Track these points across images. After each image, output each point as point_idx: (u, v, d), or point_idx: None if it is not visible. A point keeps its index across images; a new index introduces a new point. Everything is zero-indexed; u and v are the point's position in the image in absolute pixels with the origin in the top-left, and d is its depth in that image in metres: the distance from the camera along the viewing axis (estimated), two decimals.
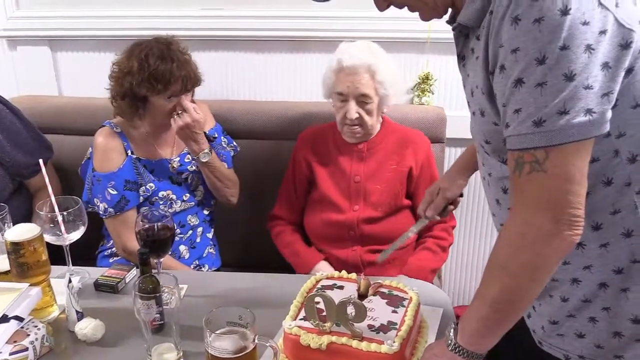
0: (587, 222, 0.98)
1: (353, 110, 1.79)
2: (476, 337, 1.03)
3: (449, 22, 1.10)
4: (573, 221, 0.89)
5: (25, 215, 1.92)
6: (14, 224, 1.39)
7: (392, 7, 1.08)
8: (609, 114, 0.88)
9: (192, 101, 1.91)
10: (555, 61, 0.85)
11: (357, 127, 1.84)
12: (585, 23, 0.84)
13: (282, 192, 2.01)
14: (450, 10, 1.08)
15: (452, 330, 1.08)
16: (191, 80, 1.82)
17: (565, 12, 0.84)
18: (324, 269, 1.83)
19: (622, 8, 0.88)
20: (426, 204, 1.53)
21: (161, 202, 1.89)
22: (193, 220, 1.96)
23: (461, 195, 1.54)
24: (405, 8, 1.08)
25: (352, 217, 1.88)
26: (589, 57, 0.85)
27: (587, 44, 0.85)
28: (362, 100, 1.79)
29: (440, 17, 1.09)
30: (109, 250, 1.96)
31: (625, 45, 0.87)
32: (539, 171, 0.89)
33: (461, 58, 1.08)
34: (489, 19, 0.93)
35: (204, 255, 2.01)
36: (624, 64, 0.88)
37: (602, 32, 0.85)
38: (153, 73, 1.74)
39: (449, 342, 1.07)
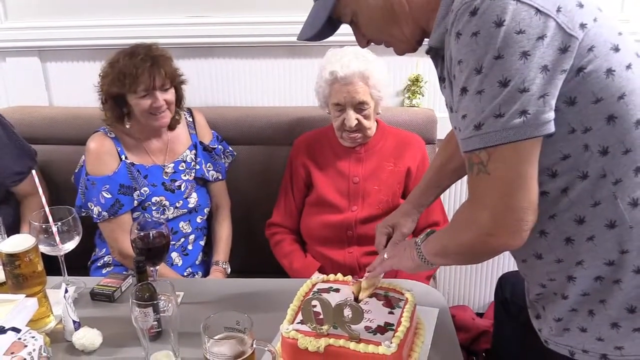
0: (571, 216, 1.03)
1: (352, 118, 1.81)
2: (433, 257, 1.18)
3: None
4: (515, 224, 0.95)
5: (13, 222, 1.91)
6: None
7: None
8: (549, 116, 0.92)
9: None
10: (490, 70, 0.91)
11: (356, 133, 1.86)
12: (520, 32, 0.89)
13: (280, 199, 2.01)
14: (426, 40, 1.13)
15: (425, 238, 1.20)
16: (161, 75, 1.77)
17: (499, 24, 0.89)
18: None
19: (564, 12, 0.92)
20: (383, 238, 1.45)
21: (154, 208, 1.89)
22: (186, 227, 1.96)
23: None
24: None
25: (350, 217, 1.88)
26: (524, 63, 0.90)
27: (522, 50, 0.89)
28: (360, 107, 1.81)
29: (413, 50, 1.15)
30: (102, 261, 1.95)
31: (563, 49, 0.92)
32: (484, 173, 0.95)
33: (442, 80, 1.12)
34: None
35: (197, 262, 2.01)
36: (562, 67, 0.92)
37: (540, 37, 0.90)
38: (122, 69, 1.75)
39: (418, 245, 1.19)
